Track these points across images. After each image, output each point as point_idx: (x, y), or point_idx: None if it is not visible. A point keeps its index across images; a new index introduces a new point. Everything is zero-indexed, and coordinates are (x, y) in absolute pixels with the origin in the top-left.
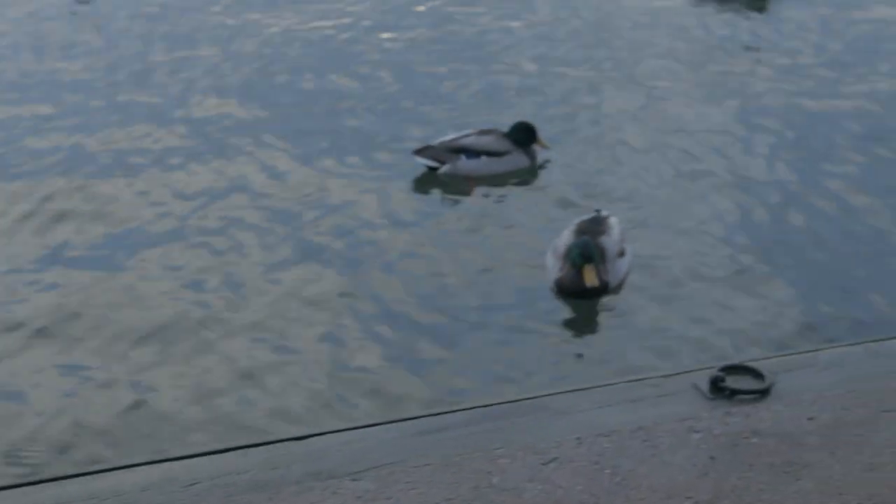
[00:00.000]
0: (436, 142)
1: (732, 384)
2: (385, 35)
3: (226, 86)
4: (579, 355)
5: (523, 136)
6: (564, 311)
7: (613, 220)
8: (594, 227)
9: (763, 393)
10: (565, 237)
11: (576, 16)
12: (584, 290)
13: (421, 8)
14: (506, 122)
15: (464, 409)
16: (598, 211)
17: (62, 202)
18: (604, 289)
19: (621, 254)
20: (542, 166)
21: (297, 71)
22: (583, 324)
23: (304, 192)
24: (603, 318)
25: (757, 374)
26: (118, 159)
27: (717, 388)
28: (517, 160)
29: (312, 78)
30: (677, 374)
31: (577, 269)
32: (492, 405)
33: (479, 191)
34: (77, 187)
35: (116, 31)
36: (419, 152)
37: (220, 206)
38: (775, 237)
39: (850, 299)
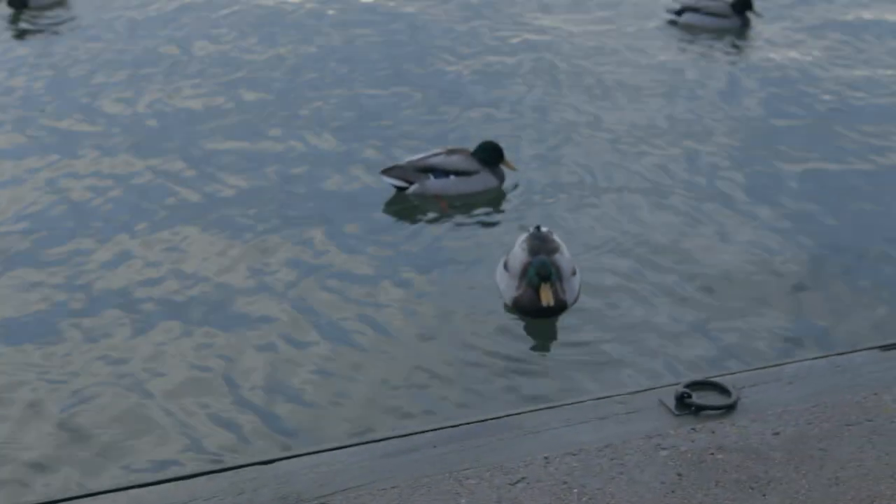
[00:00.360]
0: (404, 161)
1: (698, 400)
2: (336, 58)
3: (177, 110)
4: (542, 373)
5: (490, 155)
6: (524, 331)
7: (557, 237)
8: (545, 244)
9: (729, 408)
10: (518, 255)
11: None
12: (542, 308)
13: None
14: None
15: (431, 430)
16: (538, 227)
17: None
18: (562, 307)
19: (573, 272)
20: (510, 187)
21: (258, 89)
22: (544, 342)
23: (264, 211)
24: (563, 336)
25: (722, 390)
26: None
27: (684, 405)
28: (485, 180)
29: (268, 100)
30: (644, 390)
31: (535, 289)
32: (459, 425)
33: (441, 212)
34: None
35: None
36: (387, 172)
37: (176, 221)
38: (732, 263)
39: (813, 313)
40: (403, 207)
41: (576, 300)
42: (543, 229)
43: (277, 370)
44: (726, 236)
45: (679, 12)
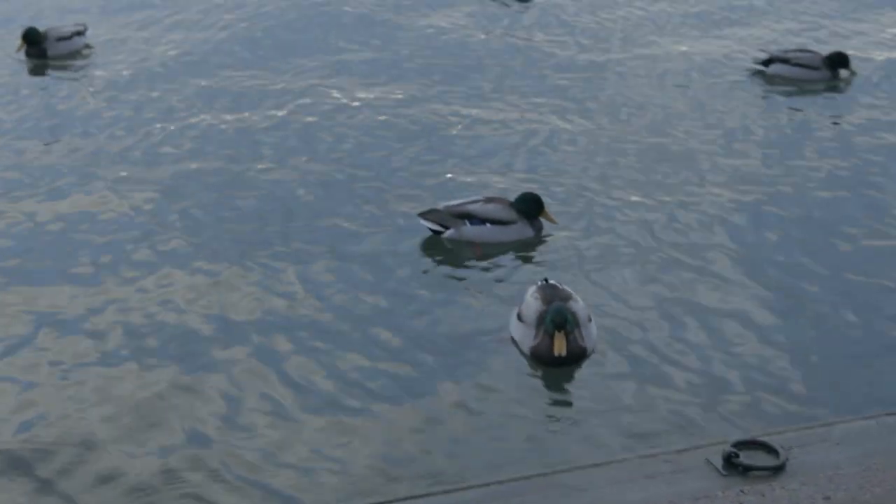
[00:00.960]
0: (441, 206)
1: (746, 460)
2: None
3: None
4: (572, 427)
5: (530, 206)
6: (546, 381)
7: (567, 287)
8: (557, 292)
9: (777, 469)
10: (532, 304)
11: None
12: (561, 357)
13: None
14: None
15: (475, 487)
16: (545, 280)
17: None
18: (582, 354)
19: (589, 318)
20: (545, 239)
21: (294, 136)
22: (568, 393)
23: (293, 252)
24: (587, 386)
25: (770, 450)
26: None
27: (731, 465)
28: (521, 230)
29: (305, 146)
30: (690, 449)
31: (552, 337)
32: (504, 482)
33: (473, 259)
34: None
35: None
36: (424, 215)
37: (218, 272)
38: (768, 318)
39: (857, 370)
40: (436, 252)
41: (594, 347)
42: (551, 281)
43: (300, 424)
44: (764, 293)
45: (766, 62)
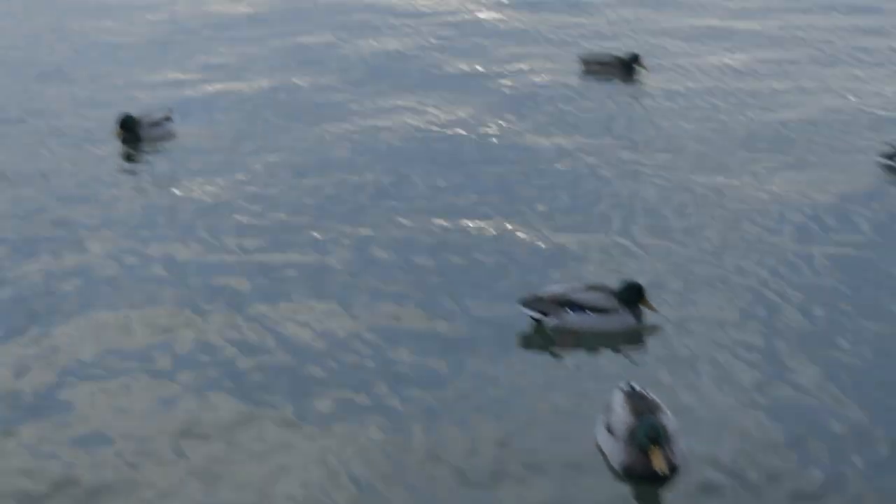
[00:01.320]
0: (543, 293)
1: None
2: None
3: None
4: None
5: (631, 294)
6: (639, 500)
7: (653, 395)
8: (646, 404)
9: None
10: (622, 416)
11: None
12: (656, 474)
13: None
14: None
15: None
16: (630, 386)
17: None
18: (672, 470)
19: (677, 432)
20: (648, 328)
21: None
22: None
23: (381, 329)
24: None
25: None
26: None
27: None
28: (623, 319)
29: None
30: None
31: (646, 452)
32: None
33: (568, 351)
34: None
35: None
36: (526, 303)
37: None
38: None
39: None
40: (530, 344)
41: (683, 461)
42: (637, 387)
43: None
44: (875, 408)
45: (892, 156)
